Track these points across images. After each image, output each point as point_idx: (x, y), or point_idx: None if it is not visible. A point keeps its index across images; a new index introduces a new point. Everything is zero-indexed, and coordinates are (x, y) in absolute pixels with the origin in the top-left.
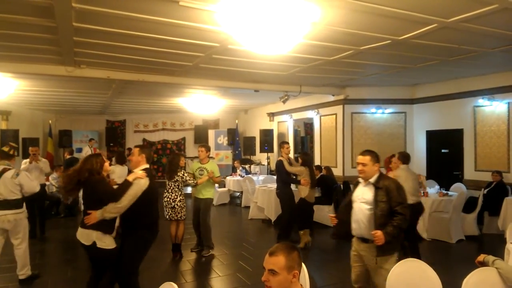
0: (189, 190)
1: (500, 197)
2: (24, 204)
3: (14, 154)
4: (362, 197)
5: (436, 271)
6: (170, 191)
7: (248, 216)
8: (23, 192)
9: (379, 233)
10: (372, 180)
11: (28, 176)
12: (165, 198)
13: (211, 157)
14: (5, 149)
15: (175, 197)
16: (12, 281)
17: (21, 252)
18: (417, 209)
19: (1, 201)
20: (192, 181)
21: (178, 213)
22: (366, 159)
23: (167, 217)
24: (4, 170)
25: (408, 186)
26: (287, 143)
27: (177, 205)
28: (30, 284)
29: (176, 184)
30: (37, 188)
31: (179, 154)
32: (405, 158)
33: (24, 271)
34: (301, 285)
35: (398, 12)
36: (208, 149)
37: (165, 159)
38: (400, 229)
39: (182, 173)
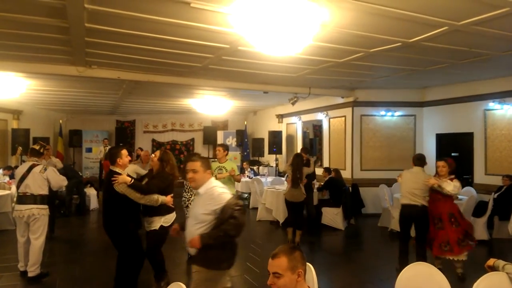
0: None
1: (510, 201)
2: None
3: (44, 152)
4: (191, 211)
5: (445, 275)
6: (187, 190)
7: (256, 217)
8: (51, 186)
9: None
10: (202, 190)
11: (55, 171)
12: (183, 198)
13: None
14: (36, 147)
15: (190, 196)
16: (21, 279)
17: (37, 249)
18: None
19: (28, 196)
20: None
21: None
22: (196, 165)
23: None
24: (33, 166)
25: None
26: (305, 149)
27: (190, 204)
28: (38, 282)
29: None
30: (64, 182)
31: (194, 154)
32: (416, 160)
33: (34, 268)
34: (309, 286)
35: (409, 15)
36: (225, 149)
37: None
38: (227, 235)
39: None
